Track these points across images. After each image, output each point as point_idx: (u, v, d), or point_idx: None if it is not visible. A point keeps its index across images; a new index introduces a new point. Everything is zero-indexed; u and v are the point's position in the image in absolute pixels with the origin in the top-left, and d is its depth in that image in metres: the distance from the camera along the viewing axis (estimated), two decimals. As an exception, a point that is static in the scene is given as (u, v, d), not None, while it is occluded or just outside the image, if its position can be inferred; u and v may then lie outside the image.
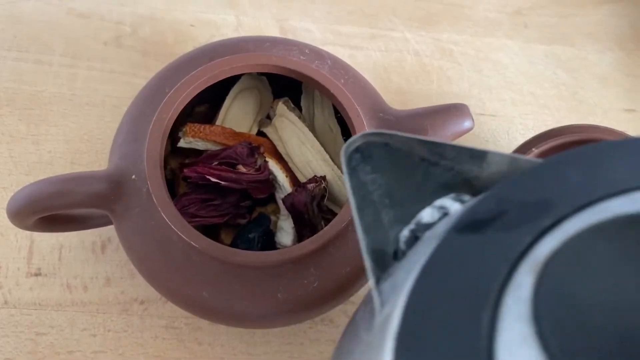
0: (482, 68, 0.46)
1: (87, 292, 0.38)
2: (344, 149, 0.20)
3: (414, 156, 0.20)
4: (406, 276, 0.17)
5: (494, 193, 0.17)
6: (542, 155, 0.38)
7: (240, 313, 0.32)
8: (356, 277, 0.31)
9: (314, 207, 0.33)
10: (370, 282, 0.18)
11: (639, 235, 0.15)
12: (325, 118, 0.37)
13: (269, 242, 0.34)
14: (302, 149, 0.35)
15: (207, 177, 0.32)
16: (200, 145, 0.35)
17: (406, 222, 0.19)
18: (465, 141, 0.37)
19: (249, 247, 0.33)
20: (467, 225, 0.17)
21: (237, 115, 0.37)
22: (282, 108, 0.36)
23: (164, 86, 0.33)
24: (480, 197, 0.17)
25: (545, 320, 0.14)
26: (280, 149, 0.36)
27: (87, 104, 0.42)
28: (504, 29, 0.48)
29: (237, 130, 0.36)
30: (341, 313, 0.38)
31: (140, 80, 0.43)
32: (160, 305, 0.38)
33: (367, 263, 0.18)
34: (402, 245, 0.19)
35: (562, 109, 0.46)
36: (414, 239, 0.19)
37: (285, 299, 0.31)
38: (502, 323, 0.14)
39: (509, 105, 0.45)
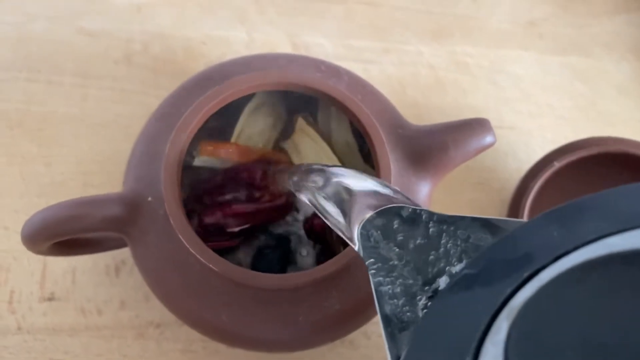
0: (498, 80, 0.45)
1: (102, 316, 0.37)
2: (360, 228, 0.22)
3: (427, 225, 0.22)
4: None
5: (483, 254, 0.20)
6: (564, 168, 0.37)
7: (260, 337, 0.31)
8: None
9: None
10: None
11: (606, 278, 0.17)
12: (342, 133, 0.36)
13: (288, 262, 0.33)
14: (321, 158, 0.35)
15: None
16: (215, 162, 0.34)
17: (426, 292, 0.21)
18: (484, 155, 0.36)
19: (268, 268, 0.32)
20: (458, 283, 0.19)
21: (252, 131, 0.36)
22: (302, 123, 0.35)
23: (179, 106, 0.32)
24: (472, 258, 0.20)
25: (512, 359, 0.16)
26: (296, 162, 0.35)
27: (99, 124, 0.42)
28: (518, 40, 0.47)
29: (253, 146, 0.35)
30: (361, 335, 0.37)
31: (152, 99, 0.42)
32: (176, 329, 0.37)
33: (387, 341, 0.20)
34: (420, 313, 0.20)
35: (580, 120, 0.45)
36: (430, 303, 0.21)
37: (306, 322, 0.30)
38: None
39: (526, 118, 0.44)
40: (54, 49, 0.43)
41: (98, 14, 0.45)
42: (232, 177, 0.33)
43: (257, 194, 0.34)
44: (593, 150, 0.37)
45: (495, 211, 0.42)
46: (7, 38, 0.43)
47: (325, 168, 0.27)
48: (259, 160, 0.34)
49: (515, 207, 0.39)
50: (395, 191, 0.25)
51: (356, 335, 0.36)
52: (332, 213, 0.25)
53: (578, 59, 0.47)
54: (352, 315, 0.31)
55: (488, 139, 0.32)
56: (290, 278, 0.29)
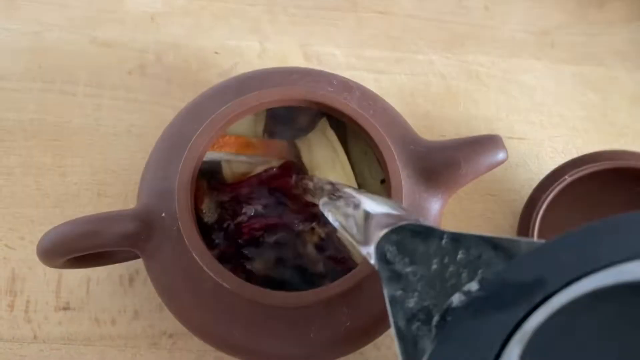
0: (510, 90, 0.45)
1: (116, 326, 0.38)
2: (376, 244, 0.23)
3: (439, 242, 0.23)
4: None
5: (496, 275, 0.20)
6: (575, 182, 0.37)
7: (271, 352, 0.31)
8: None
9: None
10: None
11: (617, 307, 0.17)
12: (358, 143, 0.36)
13: (304, 275, 0.34)
14: (330, 170, 0.35)
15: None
16: (215, 156, 0.34)
17: (439, 308, 0.21)
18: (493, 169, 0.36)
19: (283, 281, 0.33)
20: (471, 305, 0.19)
21: (235, 131, 0.36)
22: (324, 124, 0.35)
23: (193, 122, 0.32)
24: (485, 279, 0.21)
25: None
26: (305, 161, 0.35)
27: (112, 134, 0.42)
28: (530, 49, 0.47)
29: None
30: (372, 346, 0.37)
31: (165, 109, 0.43)
32: (189, 339, 0.37)
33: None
34: (433, 330, 0.21)
35: (592, 131, 0.45)
36: (443, 322, 0.21)
37: (317, 338, 0.31)
38: None
39: (538, 128, 0.44)
40: (68, 59, 0.44)
41: (112, 24, 0.45)
42: (263, 184, 0.33)
43: (288, 203, 0.34)
44: (605, 165, 0.37)
45: (507, 223, 0.42)
46: (22, 48, 0.44)
47: (343, 188, 0.28)
48: (286, 168, 0.35)
49: (526, 219, 0.39)
50: (408, 212, 0.26)
51: (368, 347, 0.37)
52: (351, 230, 0.26)
53: (591, 69, 0.47)
54: (363, 332, 0.31)
55: (500, 156, 0.32)
56: (301, 296, 0.29)
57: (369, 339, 0.32)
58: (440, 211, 0.33)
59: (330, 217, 0.28)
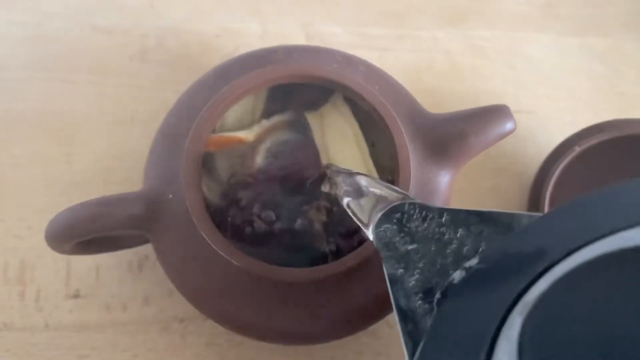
0: (515, 64, 0.45)
1: (126, 312, 0.37)
2: (376, 222, 0.23)
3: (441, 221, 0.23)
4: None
5: (496, 248, 0.20)
6: (585, 152, 0.37)
7: (283, 330, 0.31)
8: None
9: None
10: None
11: (620, 271, 0.17)
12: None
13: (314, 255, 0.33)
14: (344, 144, 0.34)
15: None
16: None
17: (440, 286, 0.21)
18: (503, 140, 0.36)
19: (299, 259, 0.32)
20: (472, 278, 0.20)
21: (230, 119, 0.35)
22: (337, 98, 0.34)
23: (197, 102, 0.32)
24: (485, 253, 0.20)
25: (527, 354, 0.16)
26: (317, 138, 0.34)
27: (116, 121, 0.42)
28: (535, 22, 0.46)
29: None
30: (384, 324, 0.37)
31: (168, 94, 0.42)
32: (200, 323, 0.37)
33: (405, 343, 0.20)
34: (434, 307, 0.21)
35: (600, 102, 0.44)
36: (444, 299, 0.21)
37: (328, 315, 0.30)
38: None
39: (545, 101, 0.44)
40: (69, 47, 0.44)
41: (111, 10, 0.45)
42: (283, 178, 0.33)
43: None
44: (614, 133, 0.37)
45: (516, 197, 0.41)
46: (23, 38, 0.44)
47: (352, 173, 0.29)
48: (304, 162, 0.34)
49: (536, 192, 0.39)
50: (408, 194, 0.26)
51: (380, 325, 0.36)
52: (357, 212, 0.26)
53: (597, 40, 0.46)
54: (375, 308, 0.31)
55: (508, 126, 0.32)
56: (311, 272, 0.29)
57: (381, 315, 0.32)
58: (450, 184, 0.33)
59: (339, 195, 0.28)
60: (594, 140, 0.37)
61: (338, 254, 0.33)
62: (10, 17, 0.44)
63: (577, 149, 0.37)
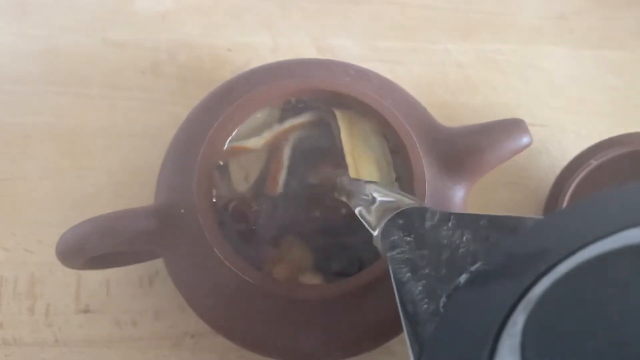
0: (529, 77, 0.45)
1: (137, 328, 0.37)
2: (382, 227, 0.24)
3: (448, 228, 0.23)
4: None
5: (501, 249, 0.20)
6: (600, 166, 0.36)
7: (295, 348, 0.30)
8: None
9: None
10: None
11: (623, 269, 0.17)
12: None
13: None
14: (369, 146, 0.33)
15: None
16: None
17: (446, 290, 0.21)
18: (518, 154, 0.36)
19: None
20: (476, 278, 0.20)
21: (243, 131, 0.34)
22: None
23: (209, 116, 0.32)
24: (490, 254, 0.21)
25: (529, 348, 0.16)
26: (344, 136, 0.33)
27: (128, 135, 0.42)
28: (548, 35, 0.46)
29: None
30: (399, 341, 0.36)
31: (180, 108, 0.42)
32: (211, 338, 0.37)
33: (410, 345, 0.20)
34: (441, 310, 0.21)
35: (615, 115, 0.44)
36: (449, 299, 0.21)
37: (341, 332, 0.30)
38: (497, 356, 0.17)
39: (559, 114, 0.43)
40: (81, 61, 0.44)
41: (123, 24, 0.45)
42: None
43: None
44: (631, 147, 0.36)
45: (531, 211, 0.41)
46: (36, 52, 0.44)
47: (366, 182, 0.28)
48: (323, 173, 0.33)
49: (551, 206, 0.38)
50: (417, 200, 0.26)
51: (394, 341, 0.36)
52: (368, 219, 0.26)
53: (611, 52, 0.46)
54: (388, 325, 0.30)
55: (524, 140, 0.32)
56: (325, 289, 0.29)
57: (394, 333, 0.31)
58: (464, 199, 0.32)
59: (355, 207, 0.28)
60: (609, 154, 0.36)
61: (353, 270, 0.33)
62: (23, 31, 0.44)
63: (593, 163, 0.36)
